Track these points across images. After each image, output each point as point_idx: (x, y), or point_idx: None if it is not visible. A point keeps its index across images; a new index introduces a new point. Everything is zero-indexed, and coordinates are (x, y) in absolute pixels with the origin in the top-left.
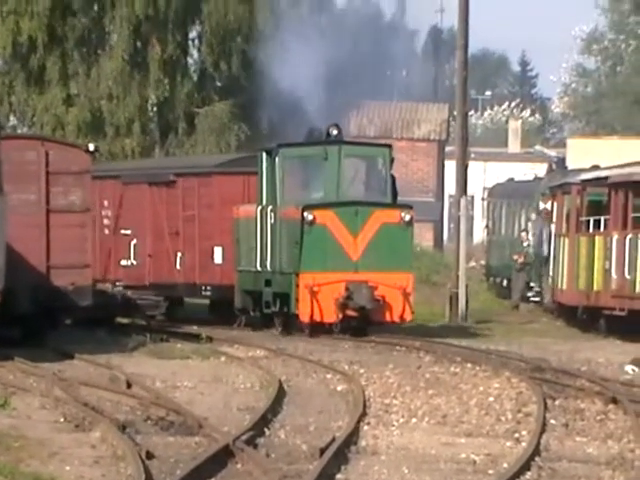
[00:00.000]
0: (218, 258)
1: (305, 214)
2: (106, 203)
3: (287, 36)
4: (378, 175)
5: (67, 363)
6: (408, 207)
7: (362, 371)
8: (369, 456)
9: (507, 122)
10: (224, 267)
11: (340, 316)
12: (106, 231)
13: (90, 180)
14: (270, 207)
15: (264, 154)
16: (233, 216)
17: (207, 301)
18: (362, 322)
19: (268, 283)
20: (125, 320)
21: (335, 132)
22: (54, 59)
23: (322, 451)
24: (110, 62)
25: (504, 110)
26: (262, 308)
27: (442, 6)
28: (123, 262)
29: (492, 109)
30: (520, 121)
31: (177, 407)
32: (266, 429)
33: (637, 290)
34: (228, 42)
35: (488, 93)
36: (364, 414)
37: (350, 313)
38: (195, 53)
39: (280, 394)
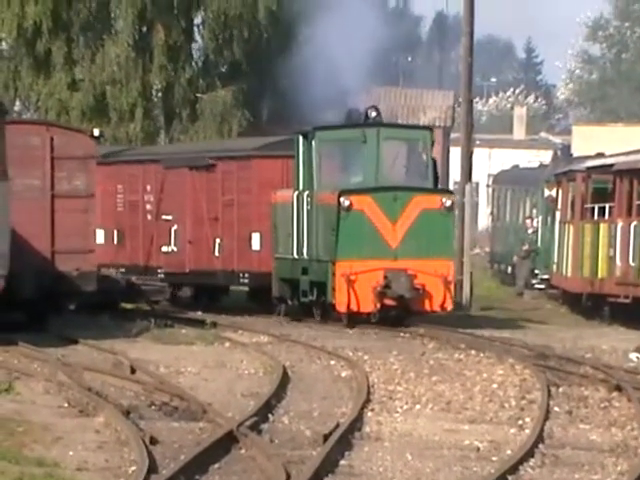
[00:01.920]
0: (256, 244)
1: (341, 199)
2: (148, 188)
3: (293, 22)
4: (418, 159)
5: (71, 348)
6: (449, 192)
7: (366, 357)
8: (373, 442)
9: (512, 109)
10: (262, 254)
11: (378, 305)
12: (148, 217)
13: (95, 165)
14: (307, 192)
15: (300, 137)
16: (271, 201)
17: (246, 289)
18: (401, 312)
19: (305, 271)
20: (129, 305)
21: (374, 114)
22: (59, 44)
23: (326, 437)
24: (115, 47)
25: (509, 97)
26: (299, 297)
27: None
28: (164, 248)
29: (497, 96)
30: (525, 108)
31: (181, 392)
32: (270, 415)
33: None
34: (230, 29)
35: (493, 80)
36: (368, 400)
37: (388, 302)
38: (199, 39)
39: (284, 380)
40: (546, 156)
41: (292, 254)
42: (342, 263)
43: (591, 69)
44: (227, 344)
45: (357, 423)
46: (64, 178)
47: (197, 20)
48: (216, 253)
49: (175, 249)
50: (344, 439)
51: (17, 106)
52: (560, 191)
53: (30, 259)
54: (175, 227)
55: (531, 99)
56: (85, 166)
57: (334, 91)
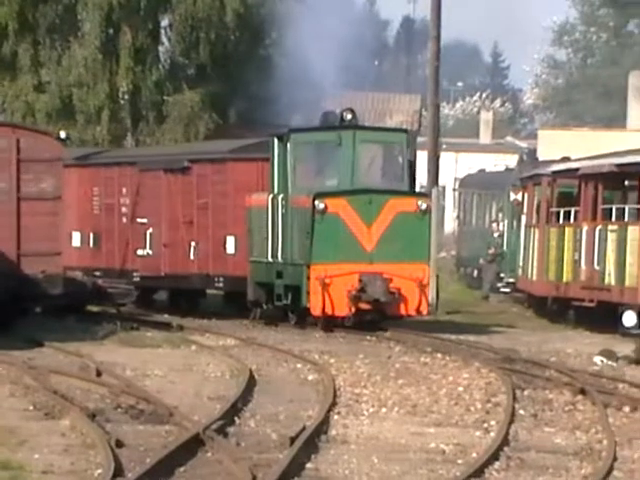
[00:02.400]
0: (230, 248)
1: (316, 202)
2: (124, 190)
3: (261, 25)
4: (394, 161)
5: (37, 351)
6: (425, 195)
7: (332, 361)
8: (339, 445)
9: (478, 113)
10: (237, 258)
11: (353, 309)
12: (124, 219)
13: (62, 168)
14: (281, 195)
15: (275, 139)
16: (246, 205)
17: (222, 292)
18: (376, 316)
19: (279, 275)
20: (96, 308)
21: (349, 116)
22: (25, 46)
23: (292, 440)
24: (81, 49)
25: (475, 101)
26: (274, 301)
27: None
28: (139, 252)
29: (464, 100)
30: (491, 112)
31: (147, 395)
32: (236, 418)
33: (606, 282)
34: (197, 31)
35: (460, 84)
36: (334, 403)
37: (364, 306)
38: (166, 42)
39: (251, 383)
40: (512, 160)
41: (267, 258)
42: (317, 267)
43: (557, 74)
44: (193, 347)
45: (323, 426)
46: (31, 180)
47: (164, 22)
48: (191, 257)
49: (150, 252)
50: (310, 442)
51: None
52: (526, 195)
53: None
54: (150, 230)
55: (497, 103)
56: (52, 168)
57: (302, 95)
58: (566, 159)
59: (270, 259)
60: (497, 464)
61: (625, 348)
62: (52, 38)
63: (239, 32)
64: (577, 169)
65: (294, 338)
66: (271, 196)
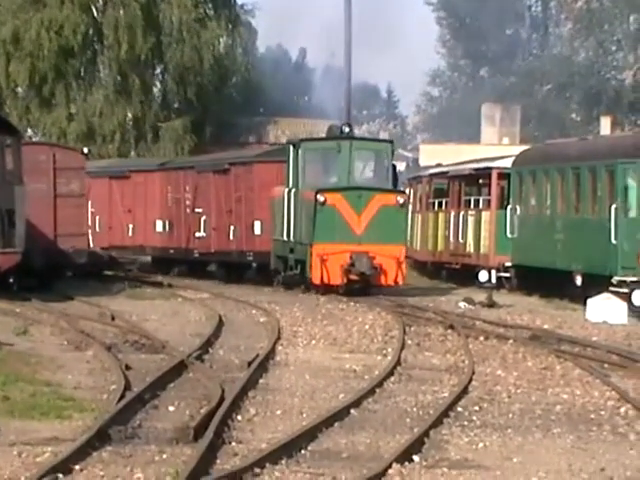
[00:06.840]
0: (257, 230)
1: (318, 196)
2: (187, 188)
3: (227, 71)
4: (381, 165)
5: (69, 303)
6: (402, 192)
7: (277, 308)
8: (282, 367)
9: (378, 132)
10: (262, 237)
11: (345, 280)
12: (187, 210)
13: (85, 173)
14: (294, 190)
15: (291, 147)
16: (270, 195)
17: (253, 264)
18: (363, 285)
19: (292, 251)
20: (110, 272)
21: (347, 130)
22: (60, 88)
23: (249, 364)
24: (100, 90)
25: (376, 124)
26: (288, 270)
27: (333, 51)
28: (197, 234)
29: (368, 123)
30: (387, 132)
31: (147, 333)
32: (210, 349)
33: (467, 250)
34: (182, 77)
35: (365, 112)
36: (278, 338)
37: (353, 278)
38: (158, 84)
39: (220, 324)
40: (401, 166)
41: (283, 237)
42: (318, 246)
43: (432, 105)
44: (179, 299)
45: (271, 354)
46: (63, 183)
47: (158, 70)
48: (231, 237)
49: (204, 235)
50: (262, 365)
51: (29, 133)
52: (412, 190)
53: (39, 240)
54: (204, 218)
55: (391, 126)
56: (78, 174)
57: (254, 121)
58: (439, 165)
59: (285, 238)
60: (392, 378)
61: (480, 296)
62: (78, 82)
63: (212, 77)
64: (447, 172)
65: (249, 292)
66: (287, 190)
